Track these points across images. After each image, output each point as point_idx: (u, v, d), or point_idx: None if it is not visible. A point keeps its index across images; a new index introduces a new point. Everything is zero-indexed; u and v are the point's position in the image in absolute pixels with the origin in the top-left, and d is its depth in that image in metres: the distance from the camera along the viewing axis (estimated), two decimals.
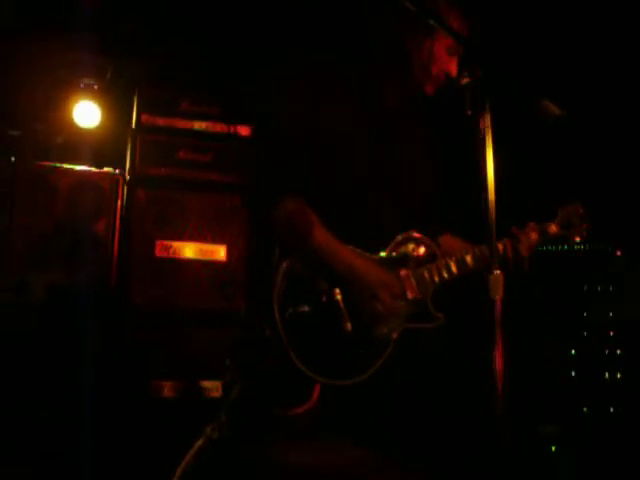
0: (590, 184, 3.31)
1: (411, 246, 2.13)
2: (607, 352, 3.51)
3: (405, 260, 2.11)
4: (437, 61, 2.17)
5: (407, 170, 2.23)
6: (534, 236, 2.26)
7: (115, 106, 4.94)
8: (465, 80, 1.67)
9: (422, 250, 2.14)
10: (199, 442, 2.11)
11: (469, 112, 1.66)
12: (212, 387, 4.14)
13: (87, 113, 4.86)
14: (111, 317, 4.03)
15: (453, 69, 2.19)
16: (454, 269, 2.14)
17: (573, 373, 3.46)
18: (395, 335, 2.02)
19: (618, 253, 3.52)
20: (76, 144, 4.91)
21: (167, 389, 4.06)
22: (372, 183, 2.16)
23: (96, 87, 4.91)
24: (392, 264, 2.08)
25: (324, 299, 1.97)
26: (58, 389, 3.85)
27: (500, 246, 2.23)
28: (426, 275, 2.10)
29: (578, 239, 2.36)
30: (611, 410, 3.44)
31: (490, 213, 1.61)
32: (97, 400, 3.86)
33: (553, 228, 2.33)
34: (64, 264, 3.99)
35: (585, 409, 3.44)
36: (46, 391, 3.84)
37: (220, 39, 4.54)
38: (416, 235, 2.15)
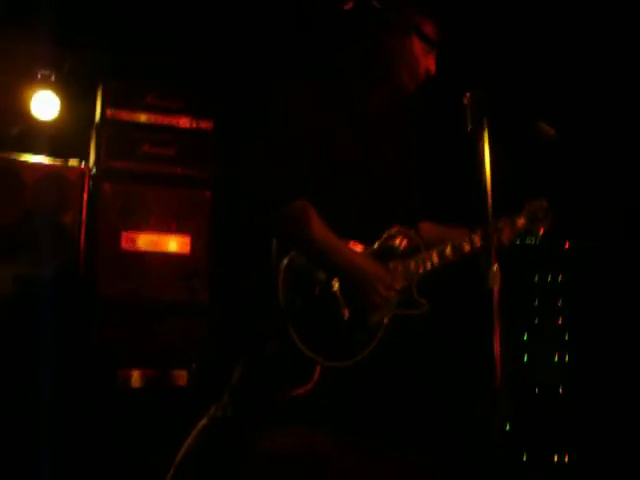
0: (545, 180, 3.57)
1: (398, 240, 2.31)
2: (556, 337, 3.79)
3: (393, 253, 2.29)
4: (417, 60, 2.33)
5: (391, 167, 2.39)
6: (508, 228, 2.46)
7: (74, 98, 4.96)
8: (466, 98, 1.85)
9: (408, 243, 2.32)
10: (202, 421, 2.23)
11: (469, 128, 1.85)
12: (178, 376, 4.25)
13: (45, 104, 4.85)
14: (79, 308, 4.09)
15: (432, 67, 2.35)
16: (435, 260, 2.33)
17: (525, 357, 3.73)
18: (386, 320, 2.20)
19: (567, 246, 3.81)
20: (33, 135, 4.90)
21: (134, 379, 4.14)
22: (358, 181, 2.30)
23: (53, 78, 4.91)
24: (382, 257, 2.26)
25: (323, 289, 2.13)
26: (26, 380, 3.89)
27: (475, 240, 2.40)
28: (412, 266, 2.29)
29: (542, 231, 2.57)
30: (560, 391, 3.73)
31: (488, 207, 1.79)
32: (66, 391, 3.91)
33: (521, 221, 2.53)
34: (31, 256, 4.02)
35: (536, 389, 3.72)
36: (15, 383, 3.87)
37: (184, 32, 4.60)
38: (402, 229, 2.33)
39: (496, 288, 1.82)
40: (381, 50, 2.32)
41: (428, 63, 2.33)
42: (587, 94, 3.70)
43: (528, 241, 3.77)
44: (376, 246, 2.28)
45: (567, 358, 3.75)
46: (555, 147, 1.90)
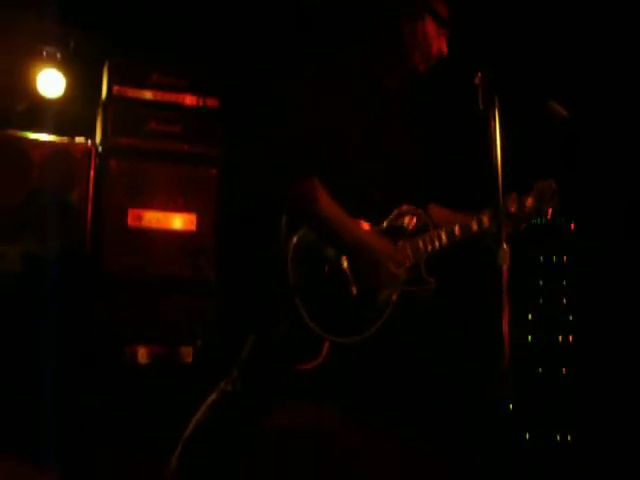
0: (550, 161, 3.59)
1: (406, 218, 2.33)
2: (560, 317, 3.82)
3: (402, 231, 2.30)
4: (429, 41, 2.33)
5: (401, 149, 2.39)
6: (514, 207, 2.46)
7: (79, 75, 4.95)
8: (478, 77, 1.86)
9: (416, 221, 2.34)
10: (212, 396, 2.26)
11: (481, 106, 1.86)
12: (184, 352, 4.28)
13: (50, 82, 4.85)
14: (85, 285, 4.11)
15: (444, 48, 2.36)
16: (444, 239, 2.34)
17: (529, 337, 3.77)
18: (394, 297, 2.22)
19: (572, 227, 3.82)
20: (39, 113, 4.90)
21: (141, 355, 4.17)
22: (368, 162, 2.31)
23: (59, 56, 4.90)
24: (391, 235, 2.27)
25: (332, 266, 2.15)
26: (33, 357, 3.92)
27: (481, 218, 2.41)
28: (420, 245, 2.30)
29: (550, 211, 2.58)
30: (563, 371, 3.76)
31: (498, 186, 1.80)
32: (72, 368, 3.95)
33: (529, 201, 2.53)
34: (38, 234, 4.04)
35: (540, 370, 3.76)
36: (22, 359, 3.90)
37: (189, 9, 4.58)
38: (411, 208, 2.34)
39: (505, 267, 1.83)
40: (395, 34, 2.32)
41: (440, 44, 2.34)
42: (600, 73, 3.69)
43: (535, 221, 3.78)
44: (385, 224, 2.29)
45: (571, 339, 3.78)
46: (567, 127, 1.91)
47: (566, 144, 3.58)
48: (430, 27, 2.30)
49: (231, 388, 2.22)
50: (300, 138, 2.18)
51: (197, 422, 2.25)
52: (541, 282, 3.84)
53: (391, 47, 2.34)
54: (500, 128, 1.85)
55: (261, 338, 2.21)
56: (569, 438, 3.71)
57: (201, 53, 4.72)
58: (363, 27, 2.39)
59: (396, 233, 2.29)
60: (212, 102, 4.59)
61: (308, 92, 2.26)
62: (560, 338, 3.80)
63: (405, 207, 2.32)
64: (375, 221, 2.27)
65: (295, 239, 2.13)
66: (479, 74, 1.88)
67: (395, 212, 2.31)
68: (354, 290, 2.15)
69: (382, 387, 2.50)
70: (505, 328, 1.83)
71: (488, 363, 2.12)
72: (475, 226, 2.37)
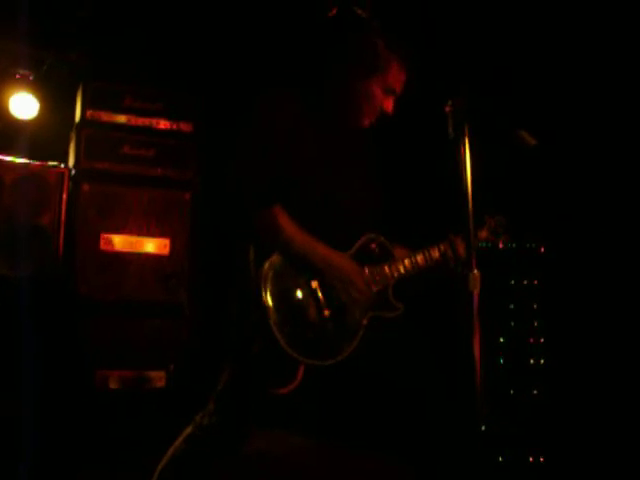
0: (519, 188, 3.65)
1: (372, 245, 2.38)
2: (532, 340, 3.87)
3: (368, 258, 2.35)
4: (374, 99, 2.36)
5: (361, 184, 2.44)
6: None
7: (52, 99, 4.95)
8: (448, 107, 1.91)
9: (381, 249, 2.39)
10: (188, 429, 2.25)
11: (451, 134, 1.91)
12: (156, 377, 4.25)
13: (23, 104, 4.84)
14: (57, 309, 4.08)
15: (389, 106, 2.38)
16: (408, 266, 2.40)
17: (501, 359, 3.81)
18: (365, 322, 2.26)
19: (542, 250, 3.88)
20: (11, 135, 4.88)
21: (112, 379, 4.14)
22: (332, 195, 2.35)
23: (32, 78, 4.90)
24: (357, 261, 2.32)
25: (303, 290, 2.18)
26: (3, 382, 3.87)
27: (442, 247, 2.46)
28: (387, 270, 2.36)
29: (501, 245, 2.67)
30: (534, 392, 3.81)
31: (469, 216, 1.84)
32: (44, 392, 3.90)
33: (483, 234, 2.62)
34: (9, 257, 4.01)
35: (511, 391, 3.80)
36: None
37: (163, 32, 4.61)
38: (375, 236, 2.39)
39: (476, 292, 1.87)
40: (344, 92, 2.36)
41: (386, 104, 2.37)
42: (570, 102, 3.77)
43: (503, 245, 3.84)
44: (352, 251, 2.34)
45: (542, 361, 3.83)
46: (535, 156, 1.96)
47: (536, 171, 3.65)
48: (376, 87, 2.34)
49: (207, 422, 2.21)
50: (267, 156, 2.21)
51: (172, 454, 2.24)
52: (512, 305, 3.89)
53: (342, 101, 2.37)
54: (470, 156, 1.89)
55: (238, 365, 2.22)
56: (541, 459, 3.74)
57: (175, 77, 4.74)
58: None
59: (363, 259, 2.33)
60: (186, 126, 4.61)
61: (276, 111, 2.28)
62: (531, 360, 3.84)
63: (371, 235, 2.37)
64: (341, 248, 2.30)
65: (266, 266, 2.16)
66: (450, 102, 1.92)
67: (361, 240, 2.36)
68: (326, 313, 2.19)
69: (356, 410, 2.51)
70: (476, 351, 1.86)
71: (460, 386, 2.15)
72: (436, 254, 2.43)
